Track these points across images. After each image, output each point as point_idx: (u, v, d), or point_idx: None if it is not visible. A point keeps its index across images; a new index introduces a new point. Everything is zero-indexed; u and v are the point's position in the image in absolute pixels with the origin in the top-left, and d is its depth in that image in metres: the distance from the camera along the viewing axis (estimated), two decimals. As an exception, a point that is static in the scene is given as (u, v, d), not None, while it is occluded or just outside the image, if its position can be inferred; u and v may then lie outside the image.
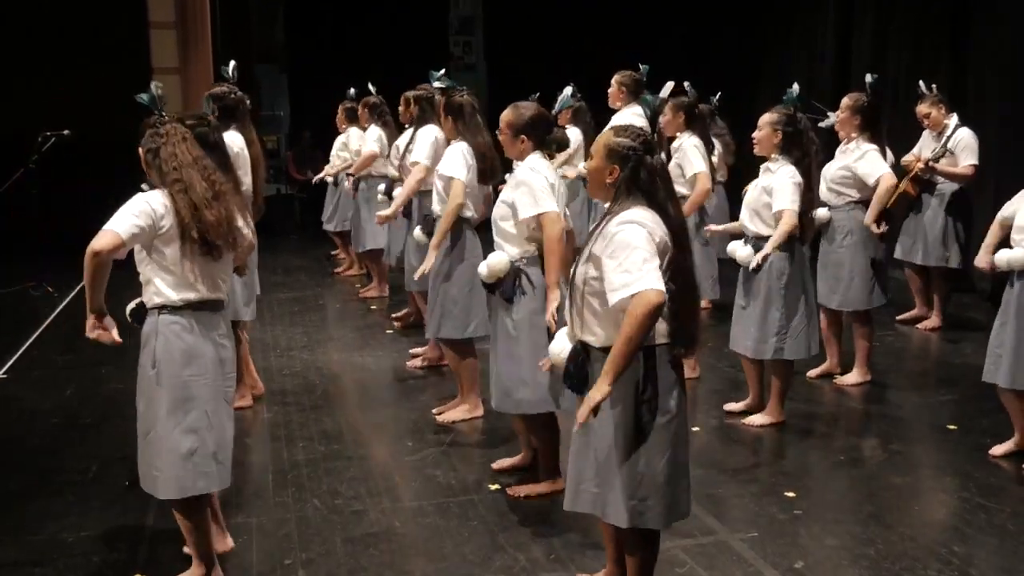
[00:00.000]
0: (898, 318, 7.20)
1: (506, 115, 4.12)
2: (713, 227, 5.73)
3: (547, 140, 4.09)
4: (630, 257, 2.80)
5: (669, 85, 5.70)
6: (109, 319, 3.31)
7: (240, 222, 3.42)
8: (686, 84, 6.67)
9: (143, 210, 3.17)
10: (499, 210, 4.13)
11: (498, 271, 4.07)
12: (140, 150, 3.33)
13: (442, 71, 5.68)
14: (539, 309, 4.04)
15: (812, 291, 5.09)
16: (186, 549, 3.57)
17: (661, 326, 2.95)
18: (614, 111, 6.53)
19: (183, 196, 3.21)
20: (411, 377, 6.08)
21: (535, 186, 3.96)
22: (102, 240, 3.09)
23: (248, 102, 5.33)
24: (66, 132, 8.21)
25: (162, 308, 3.26)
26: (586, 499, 3.07)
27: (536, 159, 4.07)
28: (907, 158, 6.74)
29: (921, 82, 6.93)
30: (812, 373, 5.89)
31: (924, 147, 6.88)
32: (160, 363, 3.24)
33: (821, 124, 5.88)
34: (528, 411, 4.17)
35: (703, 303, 7.33)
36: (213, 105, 4.95)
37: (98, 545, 3.85)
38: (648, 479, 2.95)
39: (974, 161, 6.54)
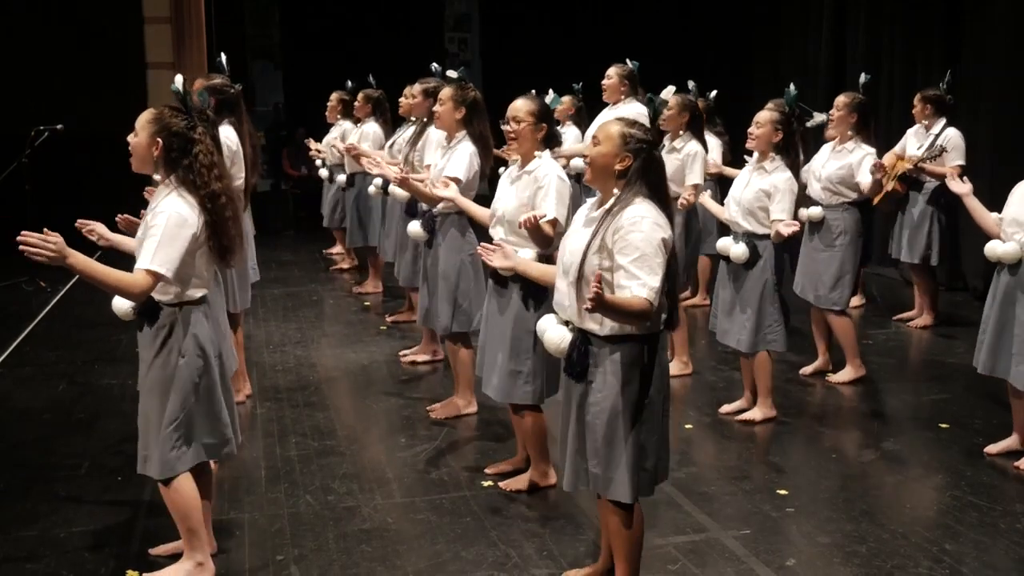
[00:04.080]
0: (894, 318, 7.21)
1: (526, 104, 4.07)
2: (703, 198, 5.54)
3: (549, 135, 4.10)
4: (634, 258, 2.91)
5: (671, 89, 5.69)
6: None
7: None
8: (690, 83, 6.68)
9: (186, 235, 3.19)
10: (514, 210, 4.05)
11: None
12: (158, 140, 3.25)
13: (462, 68, 5.66)
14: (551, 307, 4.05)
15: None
16: (165, 548, 3.64)
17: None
18: (606, 106, 6.52)
19: (221, 207, 3.28)
20: (404, 373, 6.07)
21: (563, 193, 4.01)
22: (155, 283, 3.14)
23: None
24: (59, 126, 8.18)
25: (182, 304, 3.31)
26: (587, 478, 3.14)
27: (553, 161, 4.08)
28: (888, 156, 6.74)
29: (949, 72, 6.89)
30: (806, 371, 5.90)
31: (908, 144, 6.89)
32: (188, 352, 3.30)
33: (808, 124, 5.89)
34: (535, 401, 4.16)
35: (698, 299, 7.37)
36: (210, 98, 4.91)
37: (90, 541, 3.85)
38: (645, 454, 3.07)
39: (961, 161, 6.56)
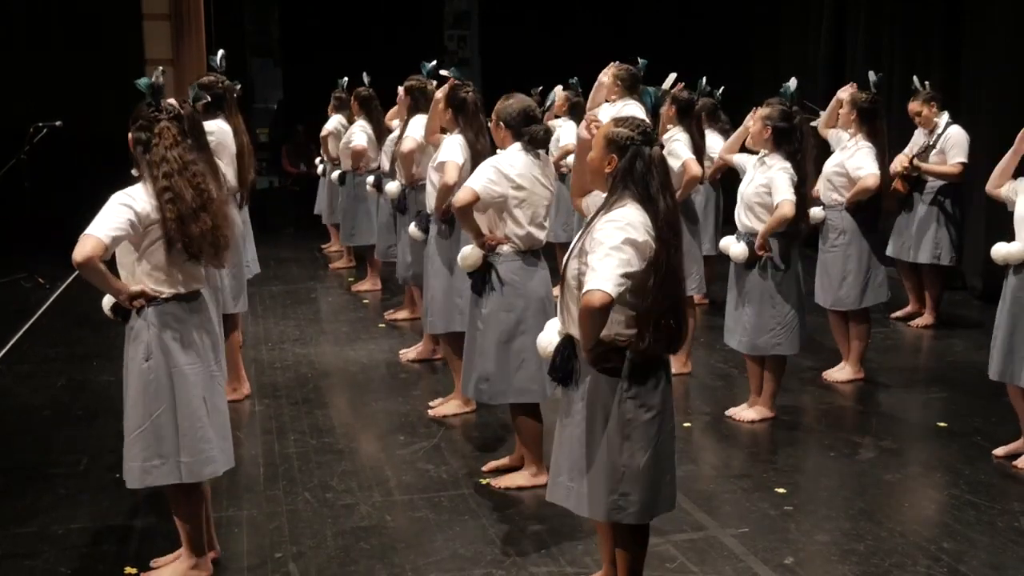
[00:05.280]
0: (891, 316, 7.21)
1: (497, 104, 4.22)
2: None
3: (521, 132, 4.11)
4: (596, 254, 2.85)
5: (672, 77, 5.68)
6: (136, 287, 3.24)
7: (230, 217, 3.43)
8: (703, 80, 6.68)
9: (124, 213, 3.14)
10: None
11: (470, 263, 4.14)
12: (129, 135, 3.30)
13: (432, 63, 5.65)
14: (507, 306, 4.13)
15: (802, 287, 5.09)
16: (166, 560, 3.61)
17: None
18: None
19: (171, 206, 3.19)
20: (403, 371, 6.07)
21: (482, 166, 4.10)
22: (85, 248, 3.04)
23: (238, 91, 5.31)
24: (58, 123, 8.18)
25: (151, 301, 3.25)
26: (561, 492, 3.11)
27: (512, 151, 4.12)
28: (899, 158, 6.75)
29: (915, 77, 6.95)
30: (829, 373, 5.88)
31: (915, 145, 6.91)
32: (155, 355, 3.23)
33: (813, 123, 5.87)
34: (489, 402, 4.31)
35: (697, 299, 7.36)
36: (201, 93, 4.92)
37: (88, 538, 3.85)
38: (629, 474, 2.97)
39: (963, 159, 6.57)
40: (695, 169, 5.71)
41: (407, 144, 5.82)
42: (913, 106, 6.79)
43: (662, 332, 2.94)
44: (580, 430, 3.02)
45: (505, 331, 4.12)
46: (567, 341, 3.05)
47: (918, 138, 6.93)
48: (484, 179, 4.03)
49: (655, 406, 2.99)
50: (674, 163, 5.70)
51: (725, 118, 7.59)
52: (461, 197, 4.02)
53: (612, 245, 2.84)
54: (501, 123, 4.16)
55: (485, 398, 4.27)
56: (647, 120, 3.11)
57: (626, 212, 2.91)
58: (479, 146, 4.85)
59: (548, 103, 4.79)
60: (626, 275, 2.83)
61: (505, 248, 4.13)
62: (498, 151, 4.23)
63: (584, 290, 2.82)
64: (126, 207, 3.15)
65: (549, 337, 3.11)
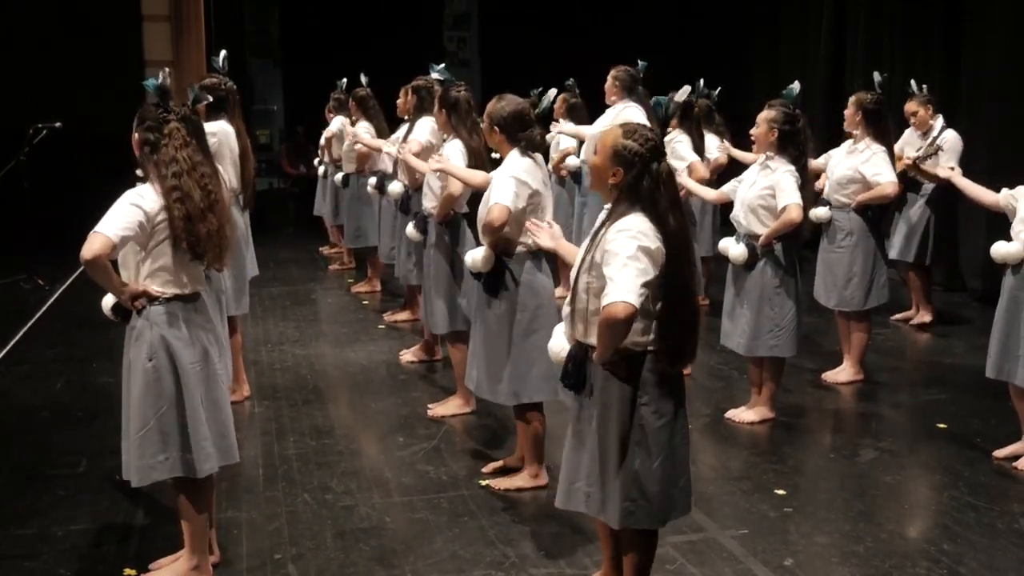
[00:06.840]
0: (892, 318, 7.21)
1: (489, 105, 4.18)
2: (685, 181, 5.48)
3: (517, 136, 4.10)
4: (613, 265, 2.83)
5: (686, 89, 5.64)
6: (139, 287, 3.27)
7: (233, 220, 3.44)
8: (700, 81, 6.68)
9: (134, 213, 3.16)
10: (482, 209, 4.16)
11: (483, 266, 4.11)
12: (135, 135, 3.31)
13: (442, 65, 5.65)
14: (521, 305, 4.11)
15: (801, 289, 5.08)
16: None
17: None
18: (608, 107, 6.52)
19: (179, 205, 3.21)
20: (402, 372, 6.07)
21: (501, 181, 4.03)
22: (93, 246, 3.06)
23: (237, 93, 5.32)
24: (58, 124, 8.18)
25: (152, 301, 3.27)
26: (579, 498, 3.08)
27: (516, 157, 4.09)
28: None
29: (912, 81, 6.97)
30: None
31: (907, 144, 6.91)
32: (158, 355, 3.25)
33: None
34: (504, 402, 4.26)
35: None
36: (201, 94, 4.91)
37: (88, 539, 3.85)
38: (642, 480, 2.96)
39: (953, 164, 6.55)
40: (702, 171, 5.73)
41: (412, 147, 5.83)
42: (910, 106, 6.81)
43: (675, 344, 2.95)
44: (595, 437, 3.00)
45: (520, 331, 4.10)
46: (579, 348, 3.03)
47: (909, 137, 6.94)
48: (511, 194, 3.97)
49: (668, 412, 2.99)
50: (679, 164, 5.71)
51: (720, 119, 7.60)
52: (497, 216, 3.95)
53: (628, 255, 2.82)
54: (495, 127, 4.13)
55: (502, 398, 4.23)
56: (650, 127, 3.08)
57: (634, 220, 2.90)
58: (474, 144, 4.85)
59: (544, 105, 4.77)
60: (645, 284, 2.83)
61: (519, 249, 4.13)
62: (494, 155, 4.20)
63: (606, 302, 2.79)
64: (136, 207, 3.17)
65: (560, 343, 3.09)
